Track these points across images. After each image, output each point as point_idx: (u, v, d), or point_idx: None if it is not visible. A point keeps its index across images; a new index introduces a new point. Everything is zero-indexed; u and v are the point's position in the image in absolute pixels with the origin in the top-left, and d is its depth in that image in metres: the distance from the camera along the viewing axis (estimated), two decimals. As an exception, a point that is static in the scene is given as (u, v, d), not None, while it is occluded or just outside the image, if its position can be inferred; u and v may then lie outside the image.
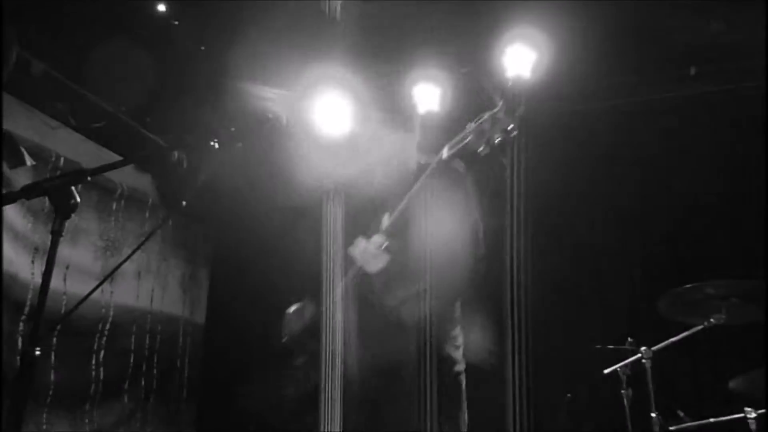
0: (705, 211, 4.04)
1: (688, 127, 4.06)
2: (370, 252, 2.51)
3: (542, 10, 2.95)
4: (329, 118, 2.98)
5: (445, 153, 2.35)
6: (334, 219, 2.51)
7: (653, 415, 3.43)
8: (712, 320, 3.35)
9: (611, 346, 3.70)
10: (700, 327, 3.37)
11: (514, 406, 2.69)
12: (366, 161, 2.60)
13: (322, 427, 2.36)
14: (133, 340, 4.53)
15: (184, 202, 2.43)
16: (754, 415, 3.30)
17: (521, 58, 3.04)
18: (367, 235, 2.54)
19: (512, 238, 2.85)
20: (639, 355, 3.53)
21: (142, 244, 3.22)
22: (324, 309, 2.36)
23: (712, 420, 3.41)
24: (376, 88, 2.61)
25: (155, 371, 4.68)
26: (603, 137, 4.16)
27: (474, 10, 3.60)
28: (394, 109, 2.55)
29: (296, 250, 2.83)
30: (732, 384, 3.35)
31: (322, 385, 2.32)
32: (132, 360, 4.52)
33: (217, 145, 2.09)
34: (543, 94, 3.06)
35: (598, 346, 3.73)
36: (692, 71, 3.89)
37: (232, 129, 2.15)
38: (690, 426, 3.45)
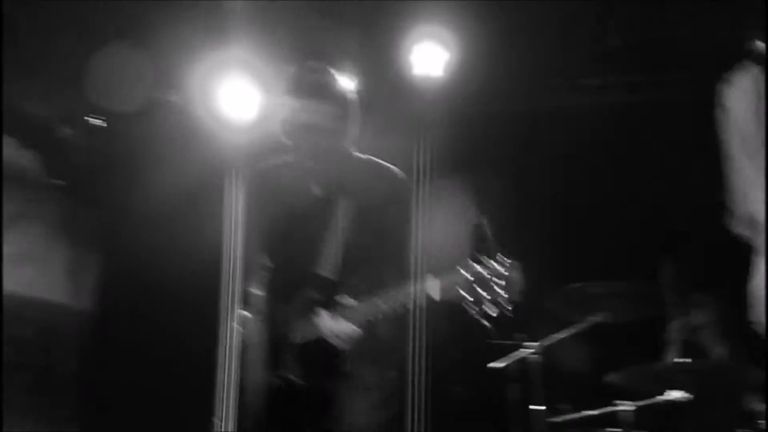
0: (595, 213, 4.26)
1: (588, 133, 4.26)
2: (336, 332, 2.42)
3: (454, 10, 3.02)
4: (235, 101, 2.93)
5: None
6: (236, 204, 2.45)
7: (535, 408, 3.60)
8: (596, 318, 3.56)
9: (501, 341, 3.84)
10: (585, 324, 3.58)
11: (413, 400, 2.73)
12: (281, 144, 2.55)
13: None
14: (10, 328, 4.27)
15: (62, 182, 2.29)
16: (630, 407, 3.55)
17: (430, 56, 3.09)
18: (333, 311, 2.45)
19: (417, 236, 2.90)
20: (527, 350, 3.70)
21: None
22: (222, 308, 2.29)
23: (592, 412, 3.62)
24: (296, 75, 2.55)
25: (34, 362, 4.42)
26: (507, 139, 4.29)
27: (382, 7, 3.63)
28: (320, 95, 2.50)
29: (195, 237, 2.75)
30: (610, 378, 3.55)
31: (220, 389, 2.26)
32: (8, 350, 4.25)
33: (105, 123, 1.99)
34: (454, 94, 3.16)
35: (489, 341, 3.86)
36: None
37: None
38: (571, 418, 3.65)
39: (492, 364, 3.79)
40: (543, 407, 3.60)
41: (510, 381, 3.75)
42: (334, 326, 2.41)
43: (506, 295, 2.25)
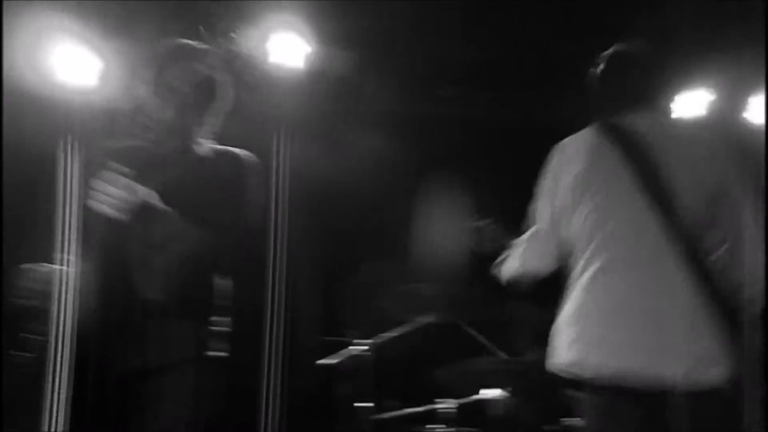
0: (430, 218, 4.42)
1: (442, 142, 4.40)
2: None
3: (319, 5, 3.01)
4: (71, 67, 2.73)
5: None
6: (71, 169, 2.24)
7: (361, 405, 3.68)
8: (427, 317, 3.70)
9: (333, 338, 3.89)
10: (416, 323, 3.71)
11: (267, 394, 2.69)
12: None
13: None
14: None
15: None
16: (452, 405, 3.74)
17: (288, 46, 3.06)
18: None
19: (275, 234, 2.86)
20: (358, 347, 3.77)
21: None
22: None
23: (416, 409, 3.76)
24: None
25: None
26: (360, 140, 4.33)
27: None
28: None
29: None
30: (438, 375, 3.72)
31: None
32: None
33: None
34: (311, 90, 3.15)
35: (322, 338, 3.90)
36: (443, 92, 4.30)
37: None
38: (396, 415, 3.77)
39: (322, 361, 3.83)
40: (370, 404, 3.69)
41: (340, 378, 3.81)
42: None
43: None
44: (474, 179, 4.20)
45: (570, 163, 2.25)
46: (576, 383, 2.17)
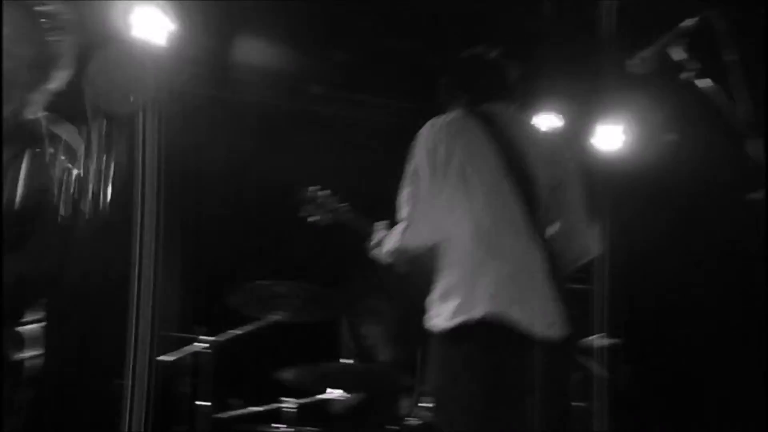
0: (284, 215, 4.38)
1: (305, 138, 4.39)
2: None
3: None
4: None
5: None
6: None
7: (201, 403, 3.56)
8: (276, 316, 3.64)
9: (177, 334, 3.73)
10: (264, 321, 3.64)
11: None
12: None
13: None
14: None
15: None
16: (293, 404, 3.70)
17: (151, 21, 2.92)
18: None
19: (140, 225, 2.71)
20: (201, 344, 3.65)
21: None
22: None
23: (257, 408, 3.70)
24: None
25: None
26: (216, 127, 4.20)
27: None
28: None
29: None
30: (284, 375, 3.67)
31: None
32: None
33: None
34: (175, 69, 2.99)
35: (165, 333, 3.72)
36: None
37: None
38: (237, 414, 3.68)
39: (161, 357, 3.66)
40: (209, 402, 3.58)
41: (179, 374, 3.66)
42: None
43: None
44: (332, 175, 4.24)
45: (442, 140, 2.41)
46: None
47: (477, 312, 2.26)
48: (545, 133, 2.73)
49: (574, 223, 2.50)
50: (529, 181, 2.42)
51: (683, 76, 1.93)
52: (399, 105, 4.53)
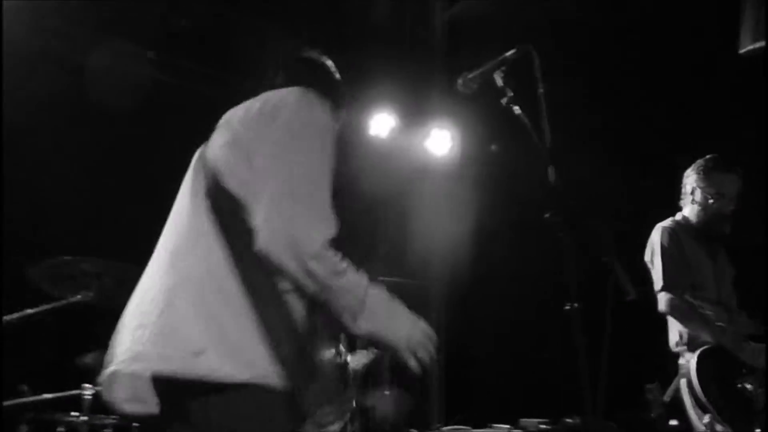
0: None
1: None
2: None
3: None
4: None
5: None
6: None
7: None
8: (79, 296, 3.52)
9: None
10: (67, 300, 3.51)
11: None
12: None
13: None
14: None
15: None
16: (91, 391, 3.61)
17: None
18: None
19: None
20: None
21: None
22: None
23: (48, 395, 3.55)
24: None
25: None
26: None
27: None
28: None
29: None
30: (83, 360, 3.56)
31: None
32: None
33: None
34: None
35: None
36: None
37: None
38: (27, 401, 3.52)
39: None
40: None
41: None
42: None
43: None
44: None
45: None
46: None
47: None
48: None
49: None
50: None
51: (502, 101, 2.18)
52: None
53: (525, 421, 4.33)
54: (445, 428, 4.40)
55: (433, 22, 5.05)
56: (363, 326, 1.91)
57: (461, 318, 5.45)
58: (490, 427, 4.35)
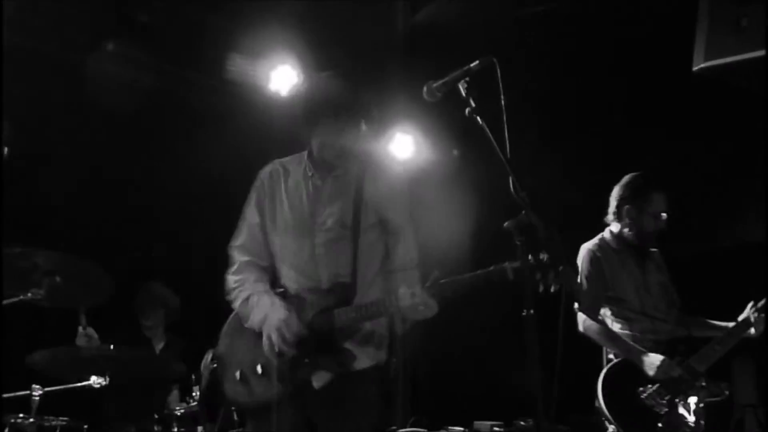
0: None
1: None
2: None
3: None
4: None
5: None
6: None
7: None
8: (30, 294, 3.44)
9: None
10: (16, 299, 3.42)
11: None
12: None
13: None
14: None
15: None
16: (39, 392, 3.57)
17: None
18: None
19: None
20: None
21: None
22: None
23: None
24: None
25: None
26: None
27: None
28: None
29: None
30: (31, 359, 3.52)
31: None
32: None
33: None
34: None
35: None
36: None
37: None
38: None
39: None
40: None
41: None
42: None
43: None
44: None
45: None
46: None
47: None
48: None
49: None
50: None
51: (466, 111, 2.25)
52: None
53: (479, 424, 4.43)
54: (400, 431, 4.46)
55: (396, 26, 5.12)
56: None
57: (419, 323, 5.50)
58: (445, 429, 4.43)
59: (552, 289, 2.18)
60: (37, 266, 3.39)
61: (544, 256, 2.16)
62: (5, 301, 3.37)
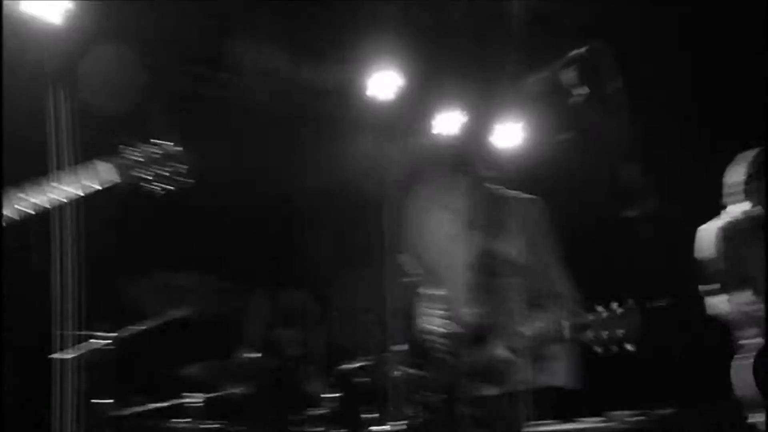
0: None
1: None
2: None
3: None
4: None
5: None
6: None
7: (97, 401, 3.64)
8: (180, 311, 3.74)
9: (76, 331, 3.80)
10: (168, 317, 3.75)
11: None
12: None
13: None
14: None
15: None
16: (199, 399, 3.86)
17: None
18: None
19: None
20: (101, 341, 3.73)
21: None
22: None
23: (160, 404, 3.80)
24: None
25: None
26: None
27: None
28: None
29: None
30: (187, 371, 3.84)
31: None
32: None
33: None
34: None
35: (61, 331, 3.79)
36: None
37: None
38: (140, 410, 3.78)
39: (57, 355, 3.73)
40: (108, 400, 3.68)
41: (77, 372, 3.74)
42: None
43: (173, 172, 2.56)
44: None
45: None
46: None
47: None
48: None
49: None
50: None
51: (571, 100, 2.27)
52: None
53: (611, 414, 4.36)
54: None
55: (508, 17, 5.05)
56: None
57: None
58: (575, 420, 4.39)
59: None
60: (181, 288, 3.73)
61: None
62: (158, 321, 3.73)
